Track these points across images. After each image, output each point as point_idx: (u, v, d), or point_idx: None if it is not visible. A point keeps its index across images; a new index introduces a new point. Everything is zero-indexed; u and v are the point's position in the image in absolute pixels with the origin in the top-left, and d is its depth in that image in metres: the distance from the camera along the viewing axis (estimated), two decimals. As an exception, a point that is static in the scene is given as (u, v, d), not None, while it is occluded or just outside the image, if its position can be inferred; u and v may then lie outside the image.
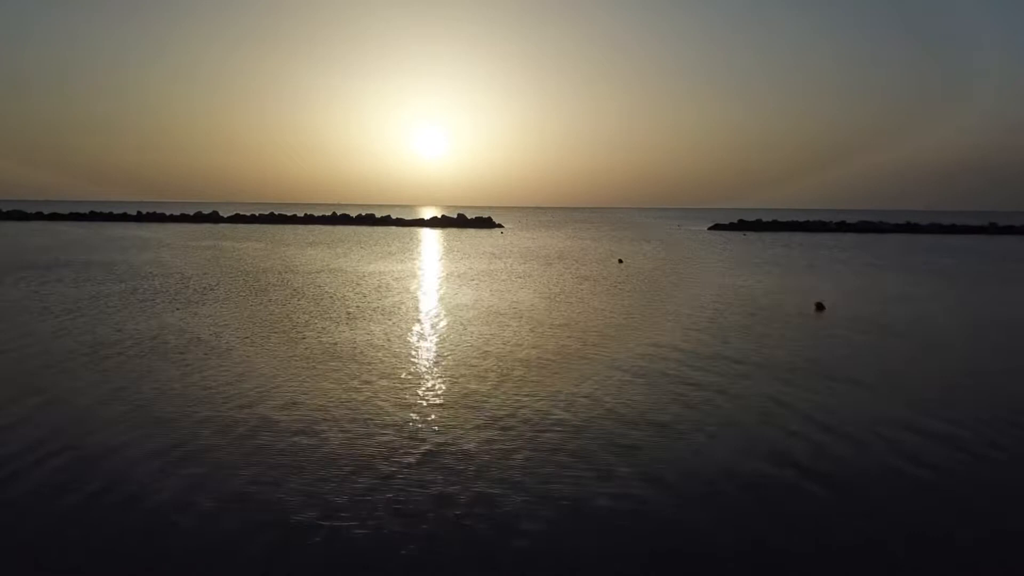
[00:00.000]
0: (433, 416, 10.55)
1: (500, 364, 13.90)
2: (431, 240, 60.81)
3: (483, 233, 75.11)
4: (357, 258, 40.21)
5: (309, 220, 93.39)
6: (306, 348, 15.24)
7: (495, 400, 11.37)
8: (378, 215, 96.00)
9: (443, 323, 18.67)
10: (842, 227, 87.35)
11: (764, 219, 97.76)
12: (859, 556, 6.60)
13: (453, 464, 8.68)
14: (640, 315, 20.38)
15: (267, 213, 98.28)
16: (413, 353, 14.87)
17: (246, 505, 7.52)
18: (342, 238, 61.15)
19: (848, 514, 7.45)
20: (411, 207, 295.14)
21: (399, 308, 21.17)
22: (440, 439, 9.54)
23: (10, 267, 32.10)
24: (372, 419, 10.37)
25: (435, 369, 13.49)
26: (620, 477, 8.35)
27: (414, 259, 40.29)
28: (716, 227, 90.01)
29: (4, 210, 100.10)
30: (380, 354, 14.70)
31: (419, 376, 12.92)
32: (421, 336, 16.79)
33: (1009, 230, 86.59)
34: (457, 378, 12.78)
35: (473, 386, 12.23)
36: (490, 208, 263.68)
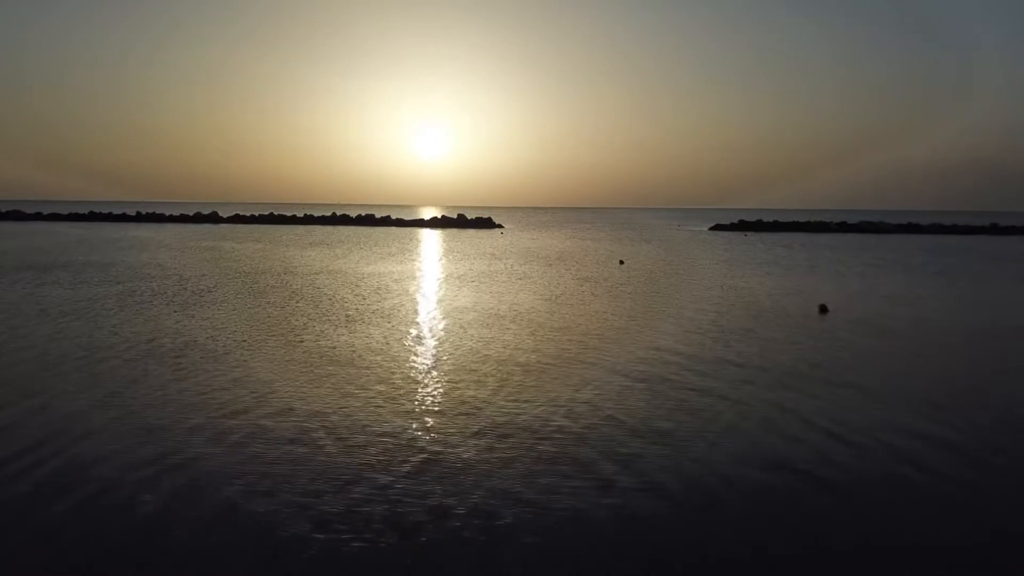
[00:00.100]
0: (430, 424, 10.38)
1: (499, 369, 13.72)
2: (431, 241, 60.66)
3: (483, 233, 74.95)
4: (356, 259, 40.05)
5: (309, 220, 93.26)
6: (303, 352, 15.07)
7: (493, 407, 11.19)
8: (378, 215, 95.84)
9: (442, 326, 18.50)
10: (843, 227, 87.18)
11: (765, 219, 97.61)
12: (862, 569, 6.42)
13: (450, 474, 8.50)
14: (641, 318, 20.21)
15: (267, 214, 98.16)
16: (411, 358, 14.70)
17: (237, 516, 7.34)
18: (342, 239, 61.00)
19: (852, 525, 7.27)
20: (411, 207, 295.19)
21: (398, 311, 21.00)
22: (437, 448, 9.37)
23: (7, 268, 31.94)
24: (368, 427, 10.19)
25: (433, 374, 13.31)
26: (620, 487, 8.17)
27: (414, 260, 40.13)
28: (717, 227, 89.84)
29: (3, 211, 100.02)
30: (378, 358, 14.53)
31: (416, 382, 12.75)
32: (419, 340, 16.61)
33: (1011, 230, 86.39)
34: (456, 384, 12.60)
35: (471, 392, 12.05)
36: (490, 208, 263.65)
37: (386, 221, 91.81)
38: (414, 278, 30.28)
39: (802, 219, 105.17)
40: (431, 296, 24.60)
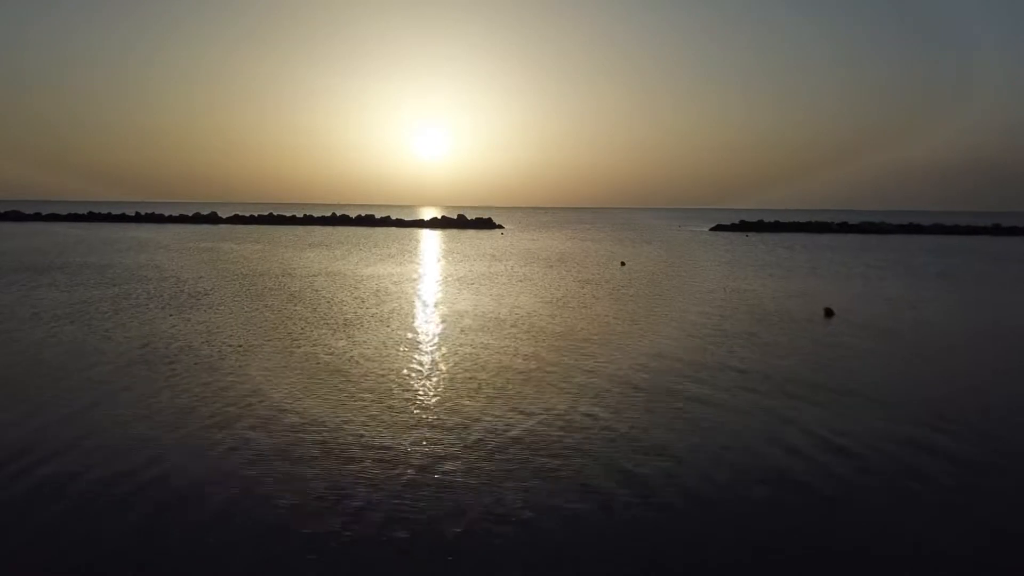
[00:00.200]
0: (422, 437, 10.10)
1: (497, 377, 13.45)
2: (431, 241, 60.40)
3: (483, 234, 74.70)
4: (356, 261, 39.79)
5: (308, 221, 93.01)
6: (298, 359, 14.80)
7: (490, 417, 10.91)
8: (378, 216, 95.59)
9: (440, 331, 18.23)
10: (844, 228, 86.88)
11: (766, 220, 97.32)
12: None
13: (440, 492, 8.21)
14: (644, 322, 19.93)
15: (266, 214, 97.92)
16: (406, 367, 14.43)
17: (214, 534, 7.08)
18: (341, 239, 60.75)
19: (855, 539, 7.00)
20: (411, 207, 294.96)
21: (396, 315, 20.73)
22: (428, 463, 9.07)
23: (3, 270, 31.70)
24: (357, 441, 9.92)
25: (428, 384, 13.04)
26: (618, 503, 7.89)
27: (413, 262, 39.87)
28: (718, 228, 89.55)
29: (2, 211, 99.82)
30: (372, 366, 14.25)
31: (411, 392, 12.48)
32: (417, 346, 16.34)
33: (1013, 231, 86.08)
34: (451, 395, 12.32)
35: (467, 402, 11.77)
36: (490, 208, 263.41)
37: (386, 222, 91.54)
38: (413, 280, 30.02)
39: (803, 219, 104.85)
40: (430, 299, 24.34)
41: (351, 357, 14.96)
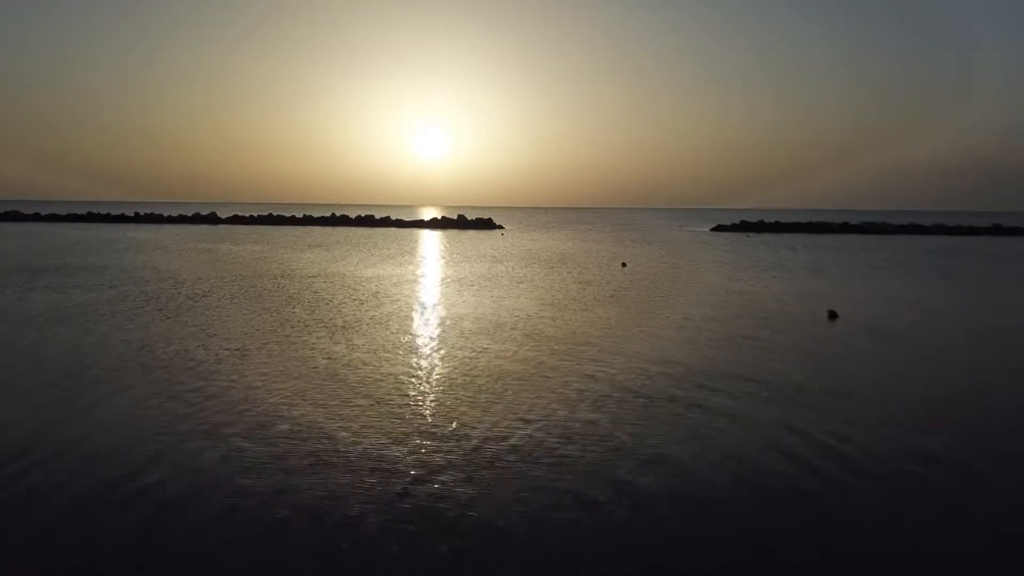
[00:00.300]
0: (416, 447, 9.89)
1: (495, 383, 13.25)
2: (431, 242, 60.22)
3: (483, 234, 74.51)
4: (355, 261, 39.61)
5: (308, 221, 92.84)
6: (295, 364, 14.61)
7: (486, 426, 10.71)
8: (378, 216, 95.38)
9: (439, 335, 18.03)
10: (845, 228, 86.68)
11: (766, 220, 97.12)
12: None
13: (433, 506, 7.99)
14: (645, 324, 19.73)
15: (266, 214, 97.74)
16: (405, 371, 14.24)
17: (214, 534, 6.89)
18: (340, 240, 60.57)
19: (855, 539, 6.81)
20: (411, 208, 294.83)
21: (395, 317, 20.54)
22: (421, 474, 8.86)
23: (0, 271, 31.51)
24: (349, 450, 9.72)
25: (424, 390, 12.84)
26: (618, 515, 7.70)
27: (413, 263, 39.68)
28: (719, 228, 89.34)
29: (1, 212, 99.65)
30: (368, 371, 14.06)
31: (406, 399, 12.27)
32: (415, 350, 16.15)
33: (1014, 231, 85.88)
34: (447, 402, 12.12)
35: (464, 409, 11.57)
36: (490, 208, 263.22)
37: (386, 222, 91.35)
38: (413, 282, 29.83)
39: (803, 219, 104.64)
40: (430, 301, 24.14)
41: (348, 362, 14.78)
